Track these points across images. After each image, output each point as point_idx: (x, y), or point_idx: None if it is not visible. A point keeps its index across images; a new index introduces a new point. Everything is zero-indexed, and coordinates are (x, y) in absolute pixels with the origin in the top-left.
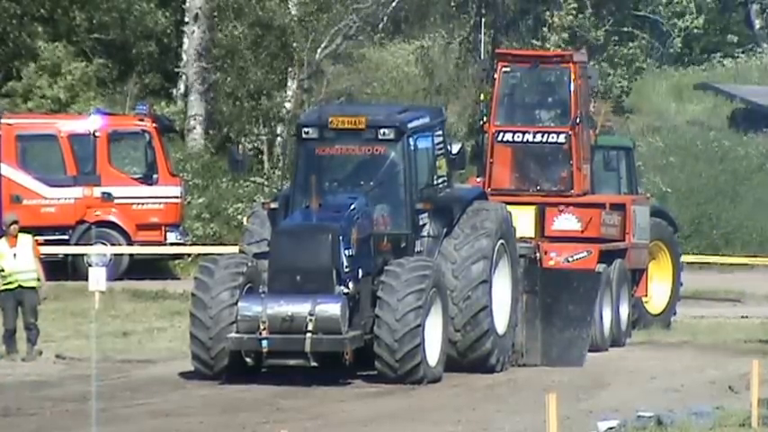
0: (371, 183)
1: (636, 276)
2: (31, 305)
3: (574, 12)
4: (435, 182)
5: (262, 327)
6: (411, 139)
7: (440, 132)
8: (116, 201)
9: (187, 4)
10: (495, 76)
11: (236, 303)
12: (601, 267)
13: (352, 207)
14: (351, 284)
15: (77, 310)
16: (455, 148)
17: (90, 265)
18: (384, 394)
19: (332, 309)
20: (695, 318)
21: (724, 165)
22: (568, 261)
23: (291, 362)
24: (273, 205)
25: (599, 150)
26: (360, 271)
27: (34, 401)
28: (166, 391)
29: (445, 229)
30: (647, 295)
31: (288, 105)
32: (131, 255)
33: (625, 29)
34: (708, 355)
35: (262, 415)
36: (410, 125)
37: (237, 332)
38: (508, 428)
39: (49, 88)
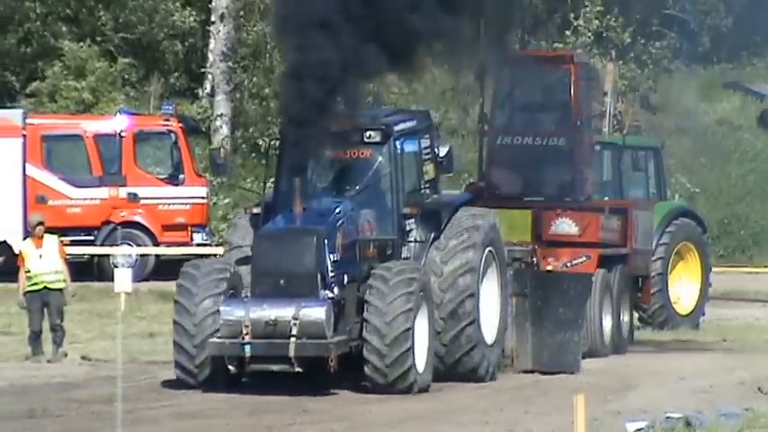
0: (357, 187)
1: (640, 283)
2: (57, 306)
3: (599, 13)
4: (422, 186)
5: (244, 331)
6: (398, 143)
7: (427, 136)
8: (142, 201)
9: (213, 4)
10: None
11: (218, 311)
12: (601, 273)
13: (338, 211)
14: (336, 290)
15: (103, 312)
16: (443, 151)
17: (116, 266)
18: (410, 396)
19: (316, 313)
20: (724, 319)
21: (753, 165)
22: (567, 266)
23: (275, 367)
24: (256, 210)
25: (627, 151)
26: (345, 277)
27: (60, 403)
28: (192, 392)
29: (433, 234)
30: (649, 303)
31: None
32: (157, 255)
33: (653, 27)
34: (737, 356)
35: (288, 417)
36: (396, 128)
37: (219, 337)
38: (536, 430)
39: (75, 91)
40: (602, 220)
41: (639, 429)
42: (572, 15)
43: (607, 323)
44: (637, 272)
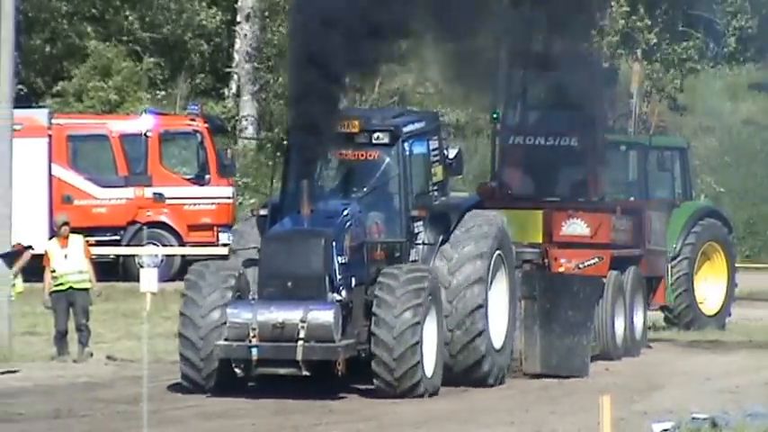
0: (365, 188)
1: (653, 284)
2: (83, 306)
3: (625, 13)
4: (431, 188)
5: (252, 334)
6: (406, 144)
7: (435, 138)
8: (167, 201)
9: (239, 4)
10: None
11: (226, 304)
12: (614, 274)
13: (345, 213)
14: (344, 292)
15: (128, 312)
16: (452, 153)
17: (141, 266)
18: (436, 396)
19: (324, 316)
20: (750, 319)
21: None
22: (579, 267)
23: (282, 370)
24: (263, 212)
25: (653, 151)
26: (353, 279)
27: (85, 403)
28: (218, 392)
29: (441, 237)
30: (665, 302)
31: (340, 106)
32: (183, 256)
33: (679, 28)
34: (763, 355)
35: (314, 417)
36: (405, 129)
37: (226, 340)
38: (562, 430)
39: (101, 91)
40: (613, 221)
41: (665, 430)
42: (598, 15)
43: (619, 325)
44: (651, 273)
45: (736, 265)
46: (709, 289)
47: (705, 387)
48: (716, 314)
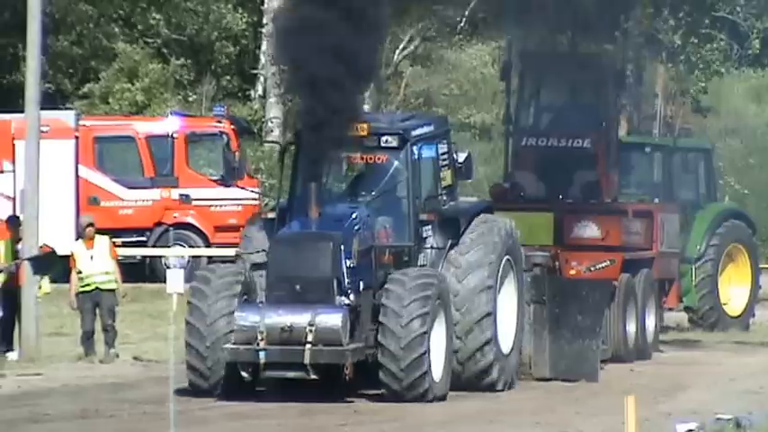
0: (373, 192)
1: (666, 286)
2: (109, 307)
3: (650, 15)
4: (440, 192)
5: (259, 337)
6: (415, 148)
7: (445, 142)
8: (194, 202)
9: (265, 6)
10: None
11: (233, 312)
12: (625, 277)
13: (354, 217)
14: (352, 296)
15: (155, 313)
16: (461, 157)
17: (168, 267)
18: (462, 397)
19: (333, 319)
20: None
21: None
22: (590, 270)
23: (290, 374)
24: (271, 215)
25: (678, 153)
26: (361, 283)
27: (112, 403)
28: (243, 393)
29: (450, 242)
30: (680, 303)
31: (365, 108)
32: (209, 257)
33: (703, 30)
34: None
35: (339, 417)
36: (414, 133)
37: (234, 343)
38: (587, 430)
39: (128, 92)
40: (624, 224)
41: (690, 430)
42: (622, 17)
43: (631, 328)
44: (663, 275)
45: (760, 266)
46: (734, 290)
47: (729, 388)
48: (740, 315)
